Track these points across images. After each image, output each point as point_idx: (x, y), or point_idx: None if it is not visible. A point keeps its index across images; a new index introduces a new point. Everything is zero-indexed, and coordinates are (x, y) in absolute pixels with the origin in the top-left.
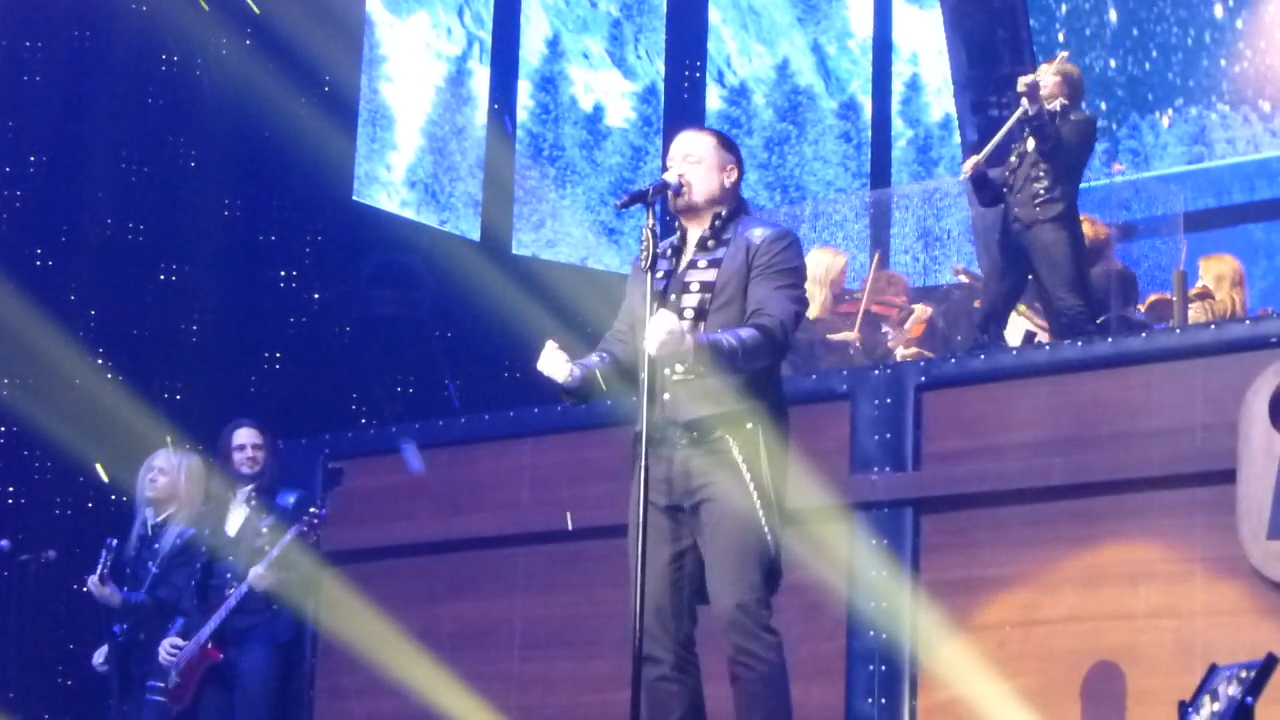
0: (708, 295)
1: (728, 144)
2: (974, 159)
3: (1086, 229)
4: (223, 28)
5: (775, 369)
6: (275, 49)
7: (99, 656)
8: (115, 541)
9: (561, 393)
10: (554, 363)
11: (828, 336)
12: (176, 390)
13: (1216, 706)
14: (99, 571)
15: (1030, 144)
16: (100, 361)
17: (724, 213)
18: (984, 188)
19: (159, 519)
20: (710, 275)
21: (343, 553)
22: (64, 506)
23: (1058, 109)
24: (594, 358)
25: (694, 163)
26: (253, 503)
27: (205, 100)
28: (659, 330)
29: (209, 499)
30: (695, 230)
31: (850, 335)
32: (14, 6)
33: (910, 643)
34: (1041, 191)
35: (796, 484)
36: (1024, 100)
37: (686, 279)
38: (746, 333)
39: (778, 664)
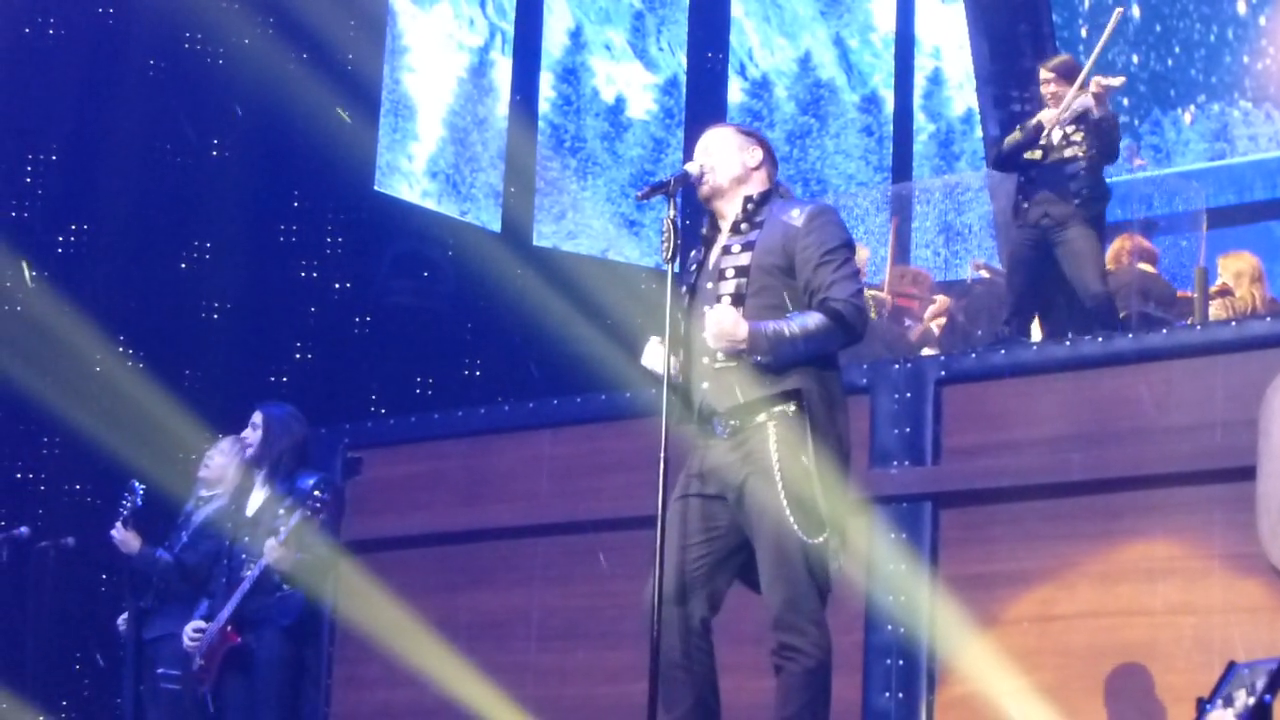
0: (743, 280)
1: (747, 131)
2: (1054, 113)
3: (1128, 244)
4: (245, 16)
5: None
6: (298, 38)
7: (122, 619)
8: (140, 487)
9: (669, 388)
10: (658, 357)
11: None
12: (196, 378)
13: (1240, 703)
14: (121, 516)
15: (1056, 137)
16: (120, 348)
17: (755, 195)
18: (1019, 152)
19: (206, 495)
20: (744, 260)
21: (361, 542)
22: (83, 493)
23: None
24: None
25: (712, 153)
26: (272, 485)
27: (227, 89)
28: (714, 323)
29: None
30: (728, 217)
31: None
32: None
33: (928, 637)
34: (1084, 191)
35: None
36: (1091, 101)
37: (721, 265)
38: (813, 318)
39: (821, 660)
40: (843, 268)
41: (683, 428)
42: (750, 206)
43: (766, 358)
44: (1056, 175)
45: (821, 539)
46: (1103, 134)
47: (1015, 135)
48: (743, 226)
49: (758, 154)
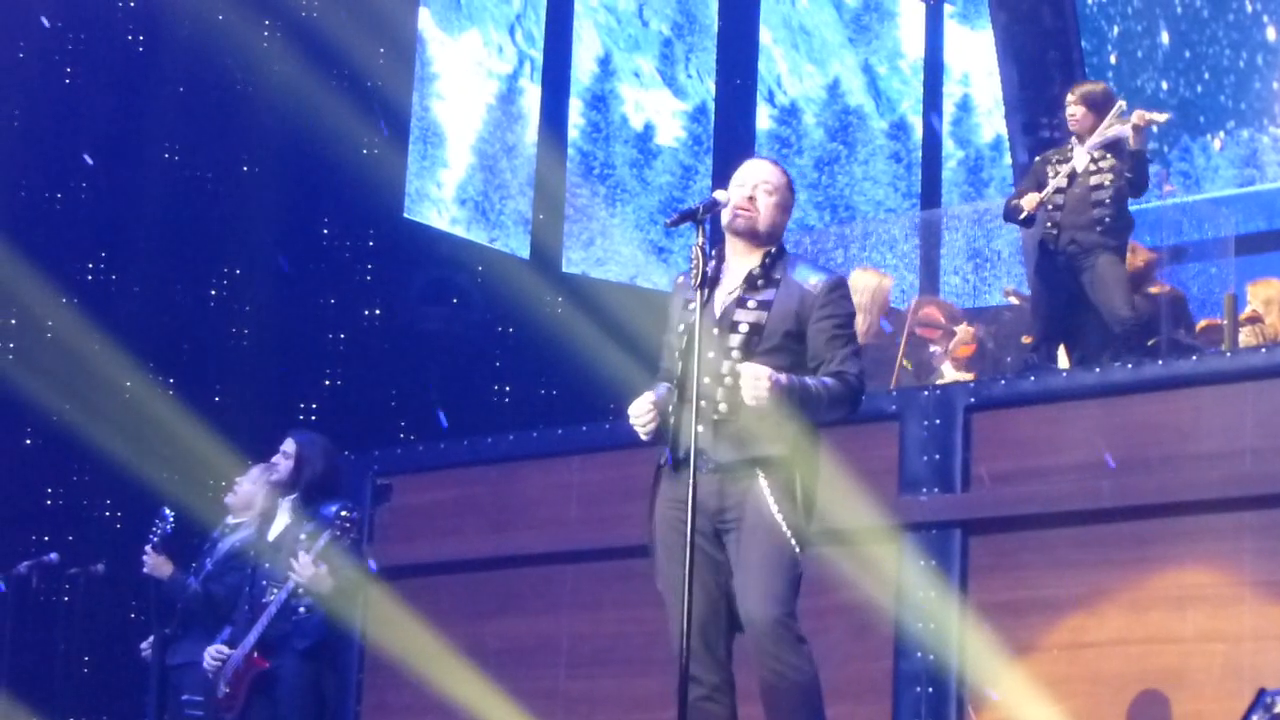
0: (755, 337)
1: (792, 186)
2: (1037, 197)
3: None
4: (275, 44)
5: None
6: (328, 66)
7: (145, 645)
8: (170, 514)
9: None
10: (639, 420)
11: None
12: (226, 404)
13: None
14: (151, 542)
15: (1081, 164)
16: (150, 374)
17: (773, 251)
18: (1023, 221)
19: (234, 522)
20: (758, 317)
21: (390, 568)
22: (113, 519)
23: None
24: (664, 389)
25: (768, 192)
26: (296, 511)
27: (258, 116)
28: (752, 383)
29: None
30: (741, 263)
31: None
32: (68, 15)
33: (958, 664)
34: (1108, 220)
35: (841, 504)
36: (1129, 133)
37: (735, 318)
38: (832, 384)
39: (812, 674)
40: (851, 343)
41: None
42: (768, 261)
43: (793, 413)
44: (1082, 203)
45: (799, 571)
46: (1138, 166)
47: (1013, 201)
48: (759, 282)
49: (789, 215)
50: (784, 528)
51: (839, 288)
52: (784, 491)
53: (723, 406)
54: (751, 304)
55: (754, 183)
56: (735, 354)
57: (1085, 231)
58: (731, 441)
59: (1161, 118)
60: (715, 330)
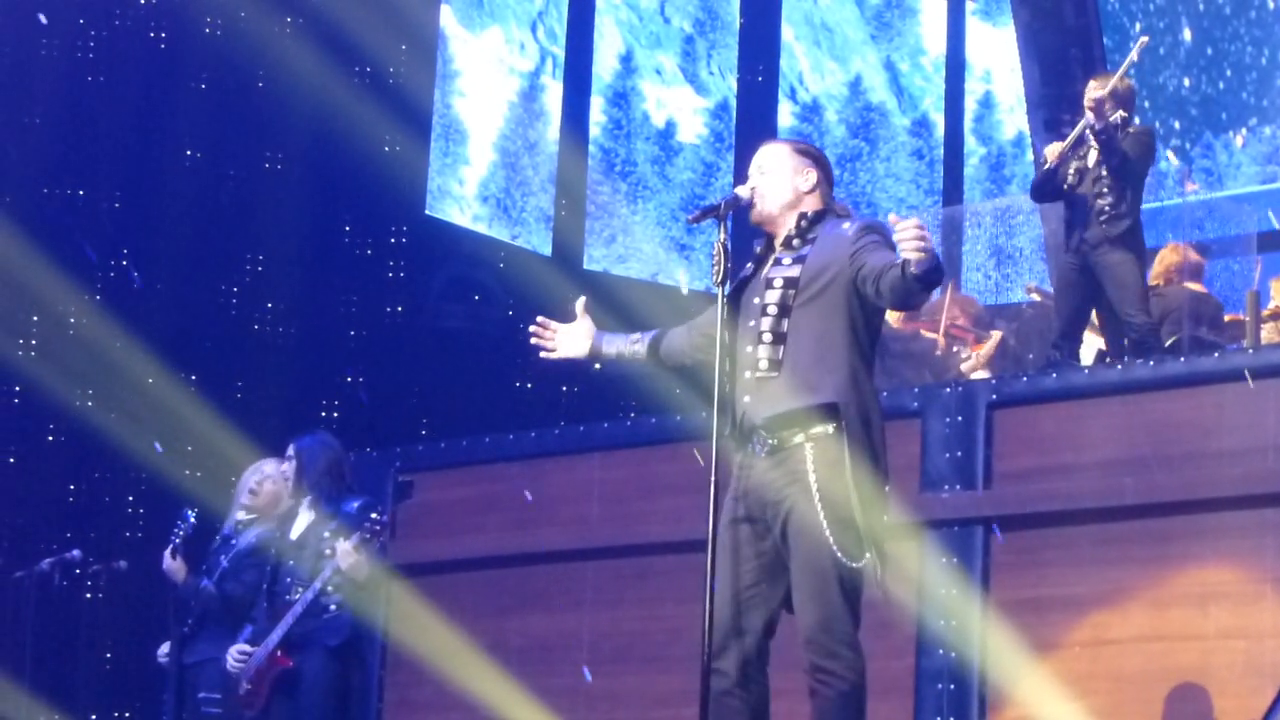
0: (791, 291)
1: (804, 149)
2: (1059, 146)
3: (1174, 256)
4: (297, 41)
5: (866, 371)
6: (350, 63)
7: (163, 649)
8: (191, 515)
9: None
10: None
11: (921, 331)
12: (249, 401)
13: None
14: (171, 544)
15: (1091, 160)
16: (173, 372)
17: (809, 214)
18: (1049, 184)
19: (247, 519)
20: (794, 272)
21: (412, 565)
22: (135, 516)
23: (1118, 122)
24: (636, 336)
25: (765, 174)
26: (318, 509)
27: (280, 113)
28: (911, 231)
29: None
30: (780, 234)
31: (938, 336)
32: (90, 13)
33: (980, 661)
34: (1107, 209)
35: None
36: (1090, 115)
37: (770, 276)
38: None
39: (856, 683)
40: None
41: (727, 447)
42: (804, 223)
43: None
44: (1085, 198)
45: (860, 563)
46: (1106, 146)
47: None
48: (795, 242)
49: (812, 177)
50: (824, 527)
51: (874, 225)
52: (828, 482)
53: (763, 364)
54: (787, 260)
55: (752, 173)
56: (771, 309)
57: (1090, 228)
58: (776, 396)
59: (1102, 91)
60: (755, 299)
